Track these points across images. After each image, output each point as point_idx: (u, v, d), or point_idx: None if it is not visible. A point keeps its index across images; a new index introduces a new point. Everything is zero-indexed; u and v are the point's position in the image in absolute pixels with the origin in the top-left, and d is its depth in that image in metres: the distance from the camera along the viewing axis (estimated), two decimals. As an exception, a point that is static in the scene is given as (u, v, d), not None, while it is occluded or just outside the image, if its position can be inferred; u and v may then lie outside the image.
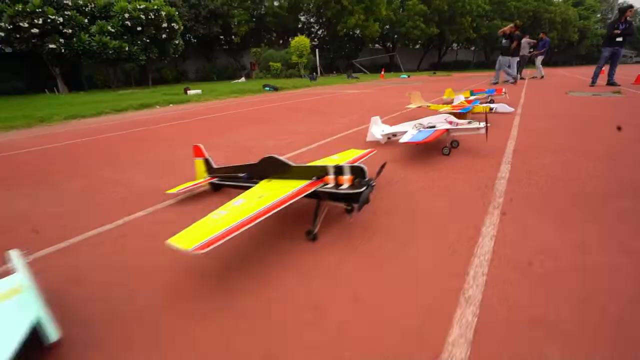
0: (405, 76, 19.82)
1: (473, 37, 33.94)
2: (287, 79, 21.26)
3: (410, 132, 2.85)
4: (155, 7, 15.87)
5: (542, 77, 13.06)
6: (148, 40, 16.26)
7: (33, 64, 16.82)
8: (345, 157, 2.14)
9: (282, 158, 1.71)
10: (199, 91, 11.23)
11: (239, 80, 21.26)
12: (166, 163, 3.02)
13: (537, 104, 5.88)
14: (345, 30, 28.30)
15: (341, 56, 32.82)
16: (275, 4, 28.95)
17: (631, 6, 7.87)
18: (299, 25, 35.97)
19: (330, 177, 1.53)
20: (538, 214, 1.73)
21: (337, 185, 1.51)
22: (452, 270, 1.28)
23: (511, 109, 4.31)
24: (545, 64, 13.25)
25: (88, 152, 3.68)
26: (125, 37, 15.50)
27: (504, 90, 5.32)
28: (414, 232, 1.58)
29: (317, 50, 27.20)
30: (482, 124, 2.69)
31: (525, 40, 12.98)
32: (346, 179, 1.48)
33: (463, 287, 1.17)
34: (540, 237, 1.51)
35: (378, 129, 3.26)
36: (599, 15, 47.26)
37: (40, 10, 13.08)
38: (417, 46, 42.07)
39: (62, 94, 14.80)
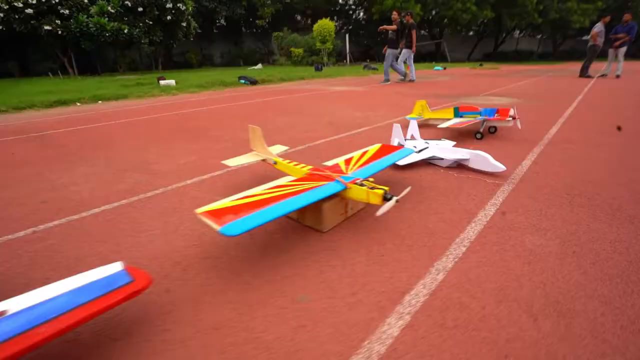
0: (439, 68, 16.71)
1: (538, 22, 28.24)
2: (309, 66, 19.22)
3: None
4: (159, -15, 14.67)
5: (618, 76, 9.62)
6: (151, 23, 15.18)
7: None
8: None
9: None
10: (172, 82, 9.76)
11: (256, 67, 19.78)
12: None
13: (581, 147, 2.66)
14: (381, 12, 25.22)
15: (377, 42, 29.69)
16: (306, -16, 26.70)
17: None
18: (337, 8, 33.25)
19: None
20: None
21: None
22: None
23: (499, 168, 2.04)
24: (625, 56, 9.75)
25: None
26: (126, 19, 14.54)
27: (512, 111, 2.90)
28: None
29: (347, 35, 24.66)
30: None
31: (599, 26, 9.66)
32: None
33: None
34: None
35: None
36: None
37: (34, -12, 12.47)
38: (471, 33, 37.03)
39: (65, 77, 14.36)
